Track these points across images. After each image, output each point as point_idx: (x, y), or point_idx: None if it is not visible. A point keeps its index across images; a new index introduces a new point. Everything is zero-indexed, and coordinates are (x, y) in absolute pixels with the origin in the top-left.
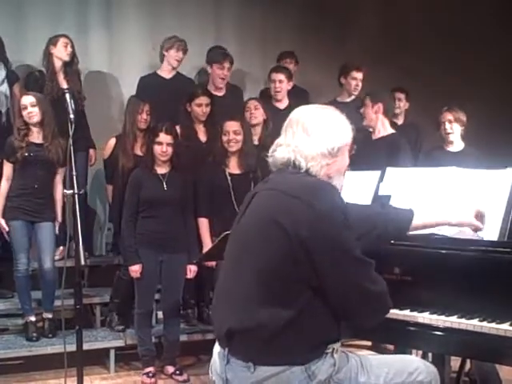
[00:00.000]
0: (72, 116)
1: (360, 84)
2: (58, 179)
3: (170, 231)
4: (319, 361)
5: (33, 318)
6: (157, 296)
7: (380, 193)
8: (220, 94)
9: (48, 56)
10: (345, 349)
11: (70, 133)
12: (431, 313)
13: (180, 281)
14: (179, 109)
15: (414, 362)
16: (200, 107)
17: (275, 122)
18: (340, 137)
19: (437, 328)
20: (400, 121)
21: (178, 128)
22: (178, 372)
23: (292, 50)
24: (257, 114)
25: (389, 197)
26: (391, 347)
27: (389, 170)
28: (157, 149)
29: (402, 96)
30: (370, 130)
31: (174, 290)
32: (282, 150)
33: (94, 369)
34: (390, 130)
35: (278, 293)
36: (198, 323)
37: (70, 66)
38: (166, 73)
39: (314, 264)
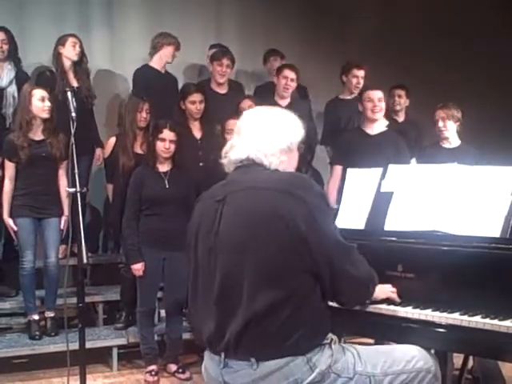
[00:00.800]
0: (74, 114)
1: (361, 82)
2: (61, 173)
3: (172, 229)
4: (319, 351)
5: (36, 317)
6: (159, 294)
7: (382, 190)
8: (222, 91)
9: (57, 56)
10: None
11: (72, 131)
12: (434, 310)
13: (183, 279)
14: (168, 104)
15: (411, 350)
16: (194, 104)
17: None
18: (295, 133)
19: (439, 325)
20: (401, 118)
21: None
22: (180, 370)
23: (292, 48)
24: None
25: (391, 194)
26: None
27: (391, 167)
28: (159, 145)
29: (402, 93)
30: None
31: (177, 289)
32: (238, 150)
33: (97, 367)
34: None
35: (279, 284)
36: None
37: (80, 64)
38: (159, 66)
39: (311, 254)
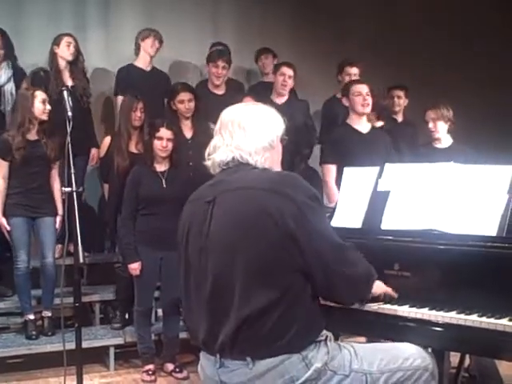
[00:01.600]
0: (70, 114)
1: (353, 78)
2: (54, 173)
3: (169, 229)
4: (314, 348)
5: (32, 317)
6: (156, 294)
7: (379, 189)
8: (220, 92)
9: (52, 55)
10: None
11: (68, 130)
12: (430, 308)
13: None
14: (157, 102)
15: (408, 348)
16: (182, 104)
17: None
18: (276, 128)
19: (436, 323)
20: (399, 118)
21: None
22: (177, 369)
23: (289, 47)
24: None
25: (388, 193)
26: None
27: (387, 165)
28: (157, 144)
29: (401, 93)
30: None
31: (174, 288)
32: (222, 151)
33: (94, 367)
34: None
35: (271, 282)
36: None
37: (75, 64)
38: (143, 64)
39: (301, 252)
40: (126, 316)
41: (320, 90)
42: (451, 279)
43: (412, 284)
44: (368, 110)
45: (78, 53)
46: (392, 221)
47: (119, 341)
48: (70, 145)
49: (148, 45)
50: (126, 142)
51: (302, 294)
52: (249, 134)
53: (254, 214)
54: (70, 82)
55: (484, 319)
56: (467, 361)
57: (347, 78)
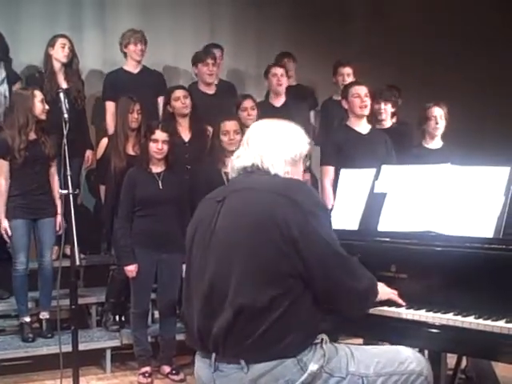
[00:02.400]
0: (66, 115)
1: (348, 79)
2: (53, 171)
3: (165, 230)
4: (310, 352)
5: (28, 319)
6: (153, 295)
7: (376, 191)
8: (210, 92)
9: (47, 57)
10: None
11: (65, 132)
12: (427, 310)
13: (176, 280)
14: (150, 102)
15: (404, 352)
16: (178, 100)
17: None
18: (300, 145)
19: (433, 325)
20: (393, 119)
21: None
22: (174, 371)
23: (287, 49)
24: (254, 115)
25: (384, 194)
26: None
27: (384, 167)
28: (152, 146)
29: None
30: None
31: (170, 290)
32: (244, 157)
33: (90, 369)
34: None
35: (268, 284)
36: None
37: (70, 66)
38: (131, 68)
39: (303, 260)
40: (123, 318)
41: (318, 92)
42: (448, 281)
43: (409, 286)
44: (366, 111)
45: (72, 55)
46: (389, 222)
47: (116, 343)
48: (65, 147)
49: (131, 50)
50: (123, 144)
51: (301, 300)
52: (275, 146)
53: (258, 215)
54: (64, 85)
55: (481, 321)
56: (464, 362)
57: (341, 79)
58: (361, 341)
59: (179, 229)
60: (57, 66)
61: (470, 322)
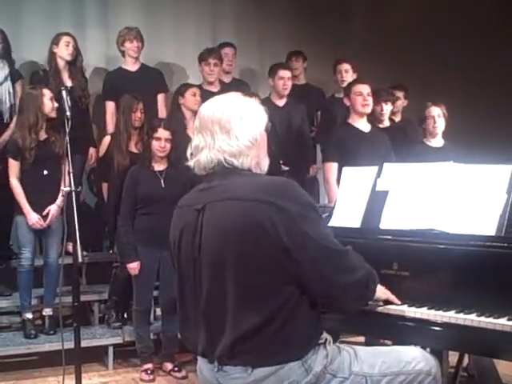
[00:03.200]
0: (68, 113)
1: (346, 76)
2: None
3: (167, 228)
4: (314, 353)
5: (30, 316)
6: (155, 293)
7: (378, 188)
8: (214, 89)
9: (51, 55)
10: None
11: (67, 130)
12: (429, 308)
13: None
14: (150, 100)
15: (411, 352)
16: (195, 96)
17: (274, 120)
18: (258, 123)
19: (435, 323)
20: (397, 118)
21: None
22: (176, 368)
23: (289, 47)
24: None
25: (386, 192)
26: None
27: (386, 165)
28: (155, 144)
29: (400, 94)
30: None
31: (172, 287)
32: (206, 154)
33: (93, 366)
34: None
35: (264, 298)
36: None
37: (74, 64)
38: (130, 65)
39: (296, 265)
40: (125, 315)
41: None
42: (450, 279)
43: (411, 283)
44: (368, 110)
45: (76, 52)
46: (391, 220)
47: (118, 340)
48: (68, 144)
49: (127, 47)
50: (126, 142)
51: (299, 306)
52: (231, 135)
53: (244, 227)
54: (69, 83)
55: (483, 319)
56: (466, 360)
57: (339, 76)
58: (362, 339)
59: None
60: (61, 64)
61: (472, 319)
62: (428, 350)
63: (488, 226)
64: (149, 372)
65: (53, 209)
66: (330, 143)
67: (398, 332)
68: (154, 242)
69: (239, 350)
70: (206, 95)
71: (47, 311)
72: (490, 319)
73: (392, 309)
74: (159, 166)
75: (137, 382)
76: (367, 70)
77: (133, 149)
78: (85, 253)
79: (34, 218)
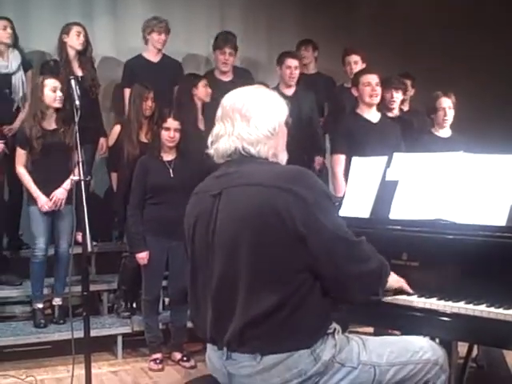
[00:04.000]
0: (77, 103)
1: (355, 67)
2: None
3: (176, 218)
4: (322, 342)
5: (40, 305)
6: (164, 283)
7: (387, 178)
8: (226, 79)
9: (62, 45)
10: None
11: (76, 119)
12: (439, 298)
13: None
14: (168, 91)
15: (418, 342)
16: (206, 87)
17: None
18: (278, 115)
19: (444, 314)
20: (405, 107)
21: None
22: (185, 358)
23: (299, 36)
24: None
25: (396, 182)
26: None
27: (396, 155)
28: (164, 134)
29: (407, 82)
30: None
31: (181, 277)
32: (225, 141)
33: (102, 355)
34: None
35: (277, 284)
36: None
37: (84, 54)
38: (152, 56)
39: (311, 253)
40: (134, 305)
41: None
42: (459, 269)
43: (420, 274)
44: (376, 100)
45: (87, 42)
46: (400, 211)
47: (127, 330)
48: (77, 134)
49: (154, 39)
50: (136, 131)
51: (311, 293)
52: (251, 123)
53: (260, 212)
54: (79, 72)
55: (492, 309)
56: (475, 351)
57: (349, 68)
58: (371, 329)
59: None
60: (71, 53)
61: (482, 310)
62: (437, 340)
63: (499, 217)
64: (158, 361)
65: (59, 192)
66: (338, 134)
67: (407, 323)
68: (163, 232)
69: (248, 336)
70: (217, 84)
71: (57, 301)
72: (500, 310)
73: (401, 299)
74: (168, 156)
75: (146, 371)
76: (374, 58)
77: (143, 139)
78: (94, 243)
79: (43, 200)
